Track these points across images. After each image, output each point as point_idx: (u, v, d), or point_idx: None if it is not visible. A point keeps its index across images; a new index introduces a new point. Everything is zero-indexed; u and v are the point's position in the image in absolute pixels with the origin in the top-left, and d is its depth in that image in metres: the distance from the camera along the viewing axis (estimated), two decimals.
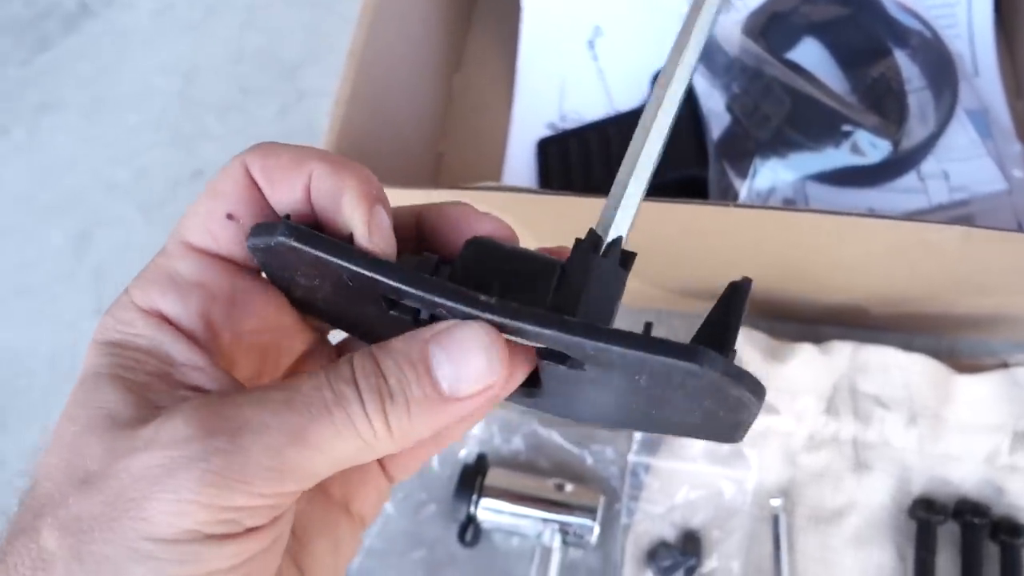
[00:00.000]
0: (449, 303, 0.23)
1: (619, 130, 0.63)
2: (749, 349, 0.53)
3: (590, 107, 0.65)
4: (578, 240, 0.26)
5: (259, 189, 0.26)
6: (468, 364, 0.23)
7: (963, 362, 0.54)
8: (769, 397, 0.53)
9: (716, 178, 0.58)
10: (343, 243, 0.24)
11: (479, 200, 0.34)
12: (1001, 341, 0.58)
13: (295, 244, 0.24)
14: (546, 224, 0.52)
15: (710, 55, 0.60)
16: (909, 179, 0.58)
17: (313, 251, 0.24)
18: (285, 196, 0.26)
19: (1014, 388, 0.51)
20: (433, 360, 0.23)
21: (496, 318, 0.23)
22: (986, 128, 0.60)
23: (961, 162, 0.58)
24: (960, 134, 0.59)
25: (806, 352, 0.53)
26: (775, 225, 0.48)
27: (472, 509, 0.52)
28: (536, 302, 0.24)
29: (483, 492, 0.53)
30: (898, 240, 0.47)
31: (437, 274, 0.25)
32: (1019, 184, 0.57)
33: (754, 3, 0.63)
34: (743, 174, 0.58)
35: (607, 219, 0.26)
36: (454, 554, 0.55)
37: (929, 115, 0.60)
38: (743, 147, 0.57)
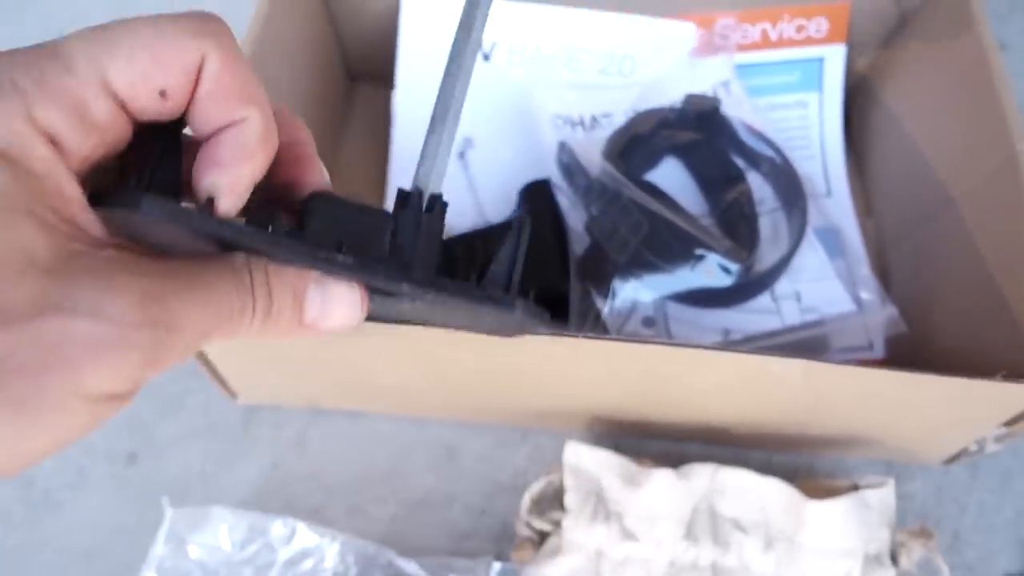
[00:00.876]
0: (313, 265, 0.30)
1: (484, 243, 0.63)
2: (608, 475, 0.53)
3: (460, 217, 0.65)
4: (403, 194, 0.33)
5: (198, 85, 0.26)
6: (335, 312, 0.31)
7: (817, 483, 0.54)
8: (628, 524, 0.53)
9: (577, 297, 0.59)
10: (207, 217, 0.27)
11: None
12: (856, 458, 0.59)
13: (159, 217, 0.25)
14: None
15: (572, 176, 0.61)
16: (763, 300, 0.59)
17: (178, 225, 0.26)
18: (209, 110, 0.27)
19: (863, 511, 0.51)
20: (308, 298, 0.30)
21: (354, 275, 0.30)
22: (837, 248, 0.63)
23: (812, 283, 0.60)
24: (811, 255, 0.61)
25: (665, 477, 0.52)
26: (626, 355, 0.48)
27: None
28: (378, 253, 0.31)
29: None
30: (745, 371, 0.48)
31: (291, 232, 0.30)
32: (868, 305, 0.60)
33: (619, 122, 0.65)
34: (604, 294, 0.59)
35: (425, 178, 0.33)
36: None
37: (783, 235, 0.62)
38: (603, 268, 0.58)
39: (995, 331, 0.52)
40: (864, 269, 0.60)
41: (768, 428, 0.56)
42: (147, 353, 0.25)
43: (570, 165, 0.63)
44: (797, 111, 0.69)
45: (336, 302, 0.31)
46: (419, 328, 0.46)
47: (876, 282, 0.59)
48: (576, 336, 0.46)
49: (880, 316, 0.58)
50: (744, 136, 0.62)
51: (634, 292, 0.59)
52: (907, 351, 0.59)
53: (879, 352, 0.60)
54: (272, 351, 0.53)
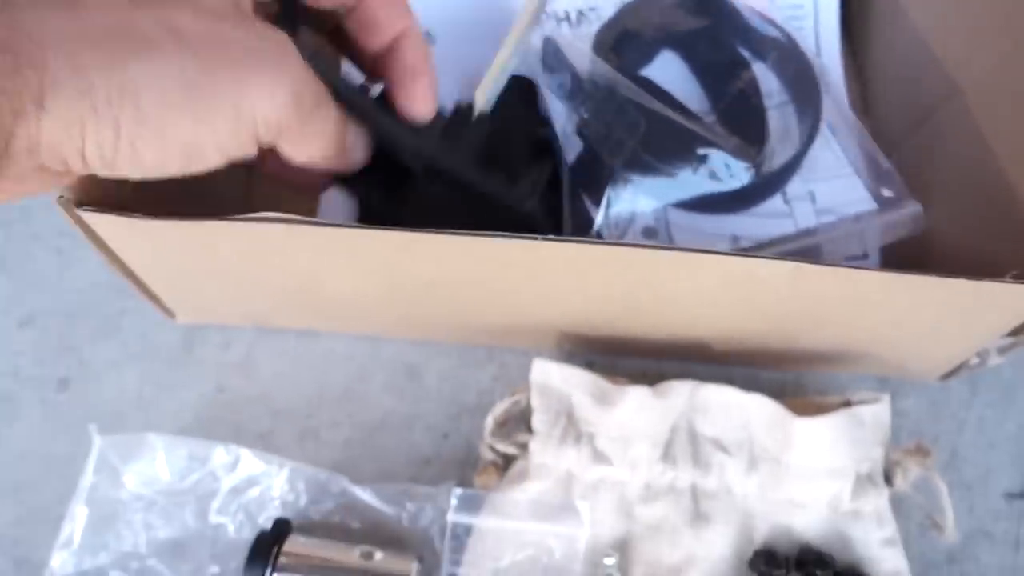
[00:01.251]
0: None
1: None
2: (579, 393, 0.48)
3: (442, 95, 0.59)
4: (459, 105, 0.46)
5: None
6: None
7: (806, 400, 0.50)
8: (601, 446, 0.48)
9: (572, 208, 0.53)
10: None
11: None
12: (848, 374, 0.55)
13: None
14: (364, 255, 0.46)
15: (558, 75, 0.55)
16: (774, 202, 0.54)
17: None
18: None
19: (855, 429, 0.47)
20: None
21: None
22: (851, 143, 0.57)
23: (827, 181, 0.54)
24: (825, 151, 0.55)
25: (640, 395, 0.48)
26: (603, 260, 0.43)
27: None
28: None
29: (279, 565, 0.46)
30: (729, 276, 0.43)
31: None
32: (889, 203, 0.54)
33: (607, 15, 0.58)
34: (599, 203, 0.53)
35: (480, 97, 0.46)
36: None
37: (793, 131, 0.56)
38: (598, 174, 0.52)
39: (1004, 230, 0.47)
40: (884, 162, 0.54)
41: (753, 342, 0.52)
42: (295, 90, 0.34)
43: (556, 63, 0.57)
44: (792, 6, 0.63)
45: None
46: (376, 232, 0.41)
47: (898, 176, 0.53)
48: (547, 240, 0.41)
49: (902, 213, 0.52)
50: (749, 18, 0.56)
51: (632, 200, 0.54)
52: (913, 256, 0.54)
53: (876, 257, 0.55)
54: (210, 260, 0.47)
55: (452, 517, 0.48)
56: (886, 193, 0.52)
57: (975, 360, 0.52)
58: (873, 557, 0.47)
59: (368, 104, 0.42)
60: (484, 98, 0.47)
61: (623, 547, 0.48)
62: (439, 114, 0.44)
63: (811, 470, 0.47)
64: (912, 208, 0.52)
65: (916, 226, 0.52)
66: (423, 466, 0.53)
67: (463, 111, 0.46)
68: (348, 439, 0.54)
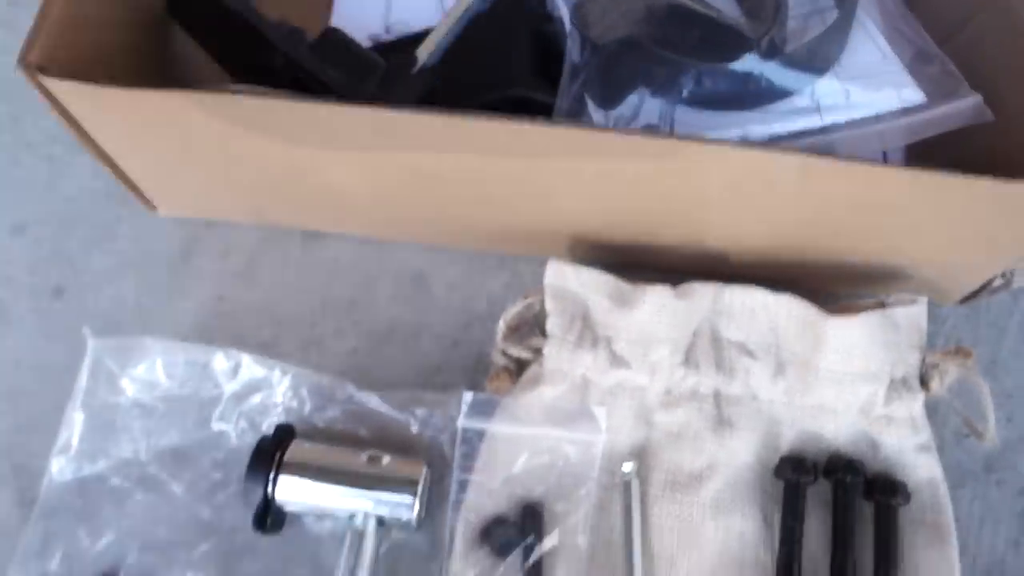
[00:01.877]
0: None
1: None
2: (596, 296, 0.45)
3: (420, 15, 0.56)
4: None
5: None
6: None
7: (838, 305, 0.47)
8: (619, 349, 0.45)
9: (568, 105, 0.50)
10: None
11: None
12: (868, 294, 0.52)
13: None
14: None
15: None
16: (796, 99, 0.50)
17: None
18: None
19: (890, 332, 0.44)
20: None
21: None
22: (896, 36, 0.52)
23: (865, 79, 0.50)
24: (866, 46, 0.51)
25: (660, 296, 0.45)
26: (591, 146, 0.40)
27: (269, 490, 0.44)
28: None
29: (282, 469, 0.44)
30: (734, 170, 0.40)
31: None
32: (941, 93, 0.49)
33: None
34: (598, 100, 0.50)
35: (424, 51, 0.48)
36: (253, 543, 0.46)
37: (829, 16, 0.51)
38: (597, 67, 0.49)
39: None
40: (931, 47, 0.49)
41: (769, 254, 0.49)
42: None
43: None
44: None
45: None
46: (351, 110, 0.38)
47: (952, 65, 0.49)
48: (535, 124, 0.38)
49: (959, 105, 0.48)
50: None
51: (636, 96, 0.50)
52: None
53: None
54: (184, 140, 0.44)
55: (463, 422, 0.46)
56: (938, 84, 0.48)
57: (999, 281, 0.49)
58: (907, 464, 0.44)
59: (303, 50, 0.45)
60: (427, 54, 0.49)
61: (641, 455, 0.46)
62: (377, 64, 0.46)
63: (843, 374, 0.45)
64: (971, 98, 0.47)
65: (977, 115, 0.47)
66: (432, 375, 0.50)
67: (401, 66, 0.48)
68: (353, 348, 0.51)
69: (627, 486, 0.44)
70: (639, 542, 0.43)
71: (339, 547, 0.44)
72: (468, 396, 0.46)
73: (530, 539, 0.43)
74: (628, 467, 0.45)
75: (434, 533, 0.45)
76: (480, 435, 0.46)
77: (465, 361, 0.51)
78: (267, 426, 0.47)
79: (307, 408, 0.48)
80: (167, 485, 0.47)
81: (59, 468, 0.47)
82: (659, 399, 0.46)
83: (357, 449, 0.45)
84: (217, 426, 0.48)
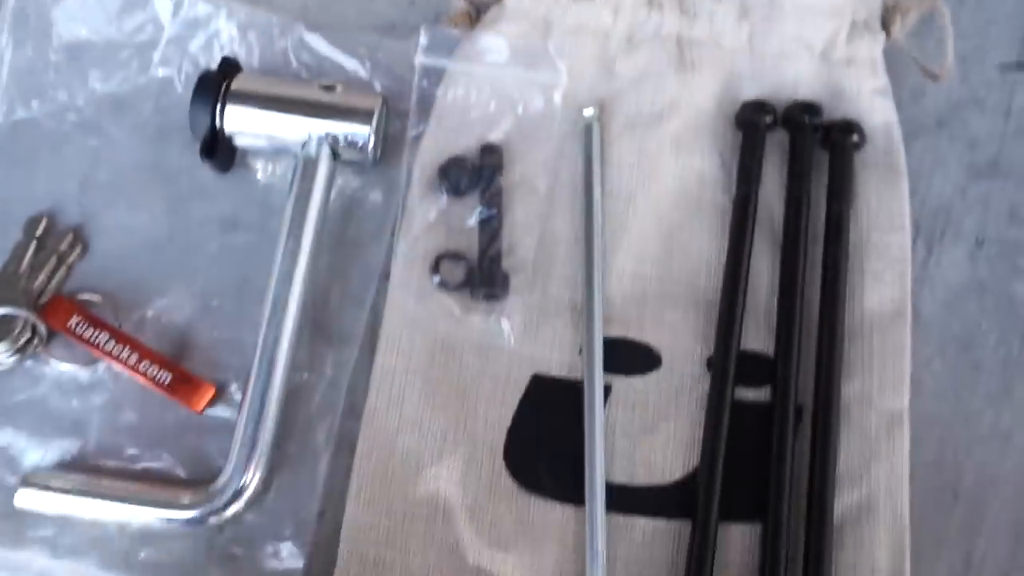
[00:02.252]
0: None
1: None
2: None
3: None
4: None
5: None
6: None
7: None
8: None
9: None
10: None
11: None
12: None
13: None
14: None
15: None
16: None
17: None
18: None
19: None
20: None
21: None
22: None
23: None
24: None
25: None
26: None
27: (217, 120, 0.42)
28: None
29: (229, 98, 0.42)
30: None
31: None
32: None
33: None
34: None
35: None
36: (203, 186, 0.45)
37: None
38: None
39: None
40: None
41: None
42: None
43: None
44: None
45: None
46: None
47: None
48: None
49: None
50: None
51: None
52: None
53: None
54: None
55: (421, 59, 0.44)
56: None
57: None
58: (863, 109, 0.45)
59: None
60: None
61: (602, 101, 0.45)
62: None
63: (807, 8, 0.44)
64: None
65: None
66: (387, 32, 0.48)
67: None
68: (304, 4, 0.49)
69: (588, 129, 0.44)
70: (599, 180, 0.43)
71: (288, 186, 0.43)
72: (427, 32, 0.44)
73: (489, 178, 0.43)
74: (589, 111, 0.44)
75: (389, 182, 0.45)
76: (438, 75, 0.44)
77: (422, 19, 0.48)
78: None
79: (255, 52, 0.46)
80: (107, 130, 0.45)
81: None
82: (621, 46, 0.45)
83: (309, 79, 0.43)
84: (160, 71, 0.46)
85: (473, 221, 0.43)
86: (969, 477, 0.42)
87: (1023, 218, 0.45)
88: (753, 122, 0.44)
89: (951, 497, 0.41)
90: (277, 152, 0.44)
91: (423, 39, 0.44)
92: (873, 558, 0.39)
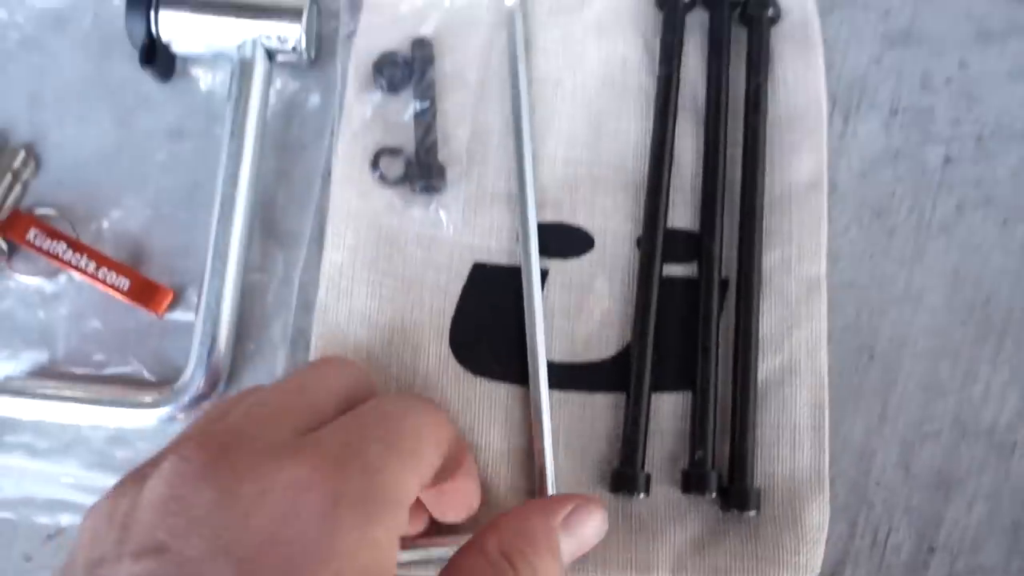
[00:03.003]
0: None
1: None
2: None
3: None
4: None
5: None
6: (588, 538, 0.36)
7: None
8: None
9: None
10: None
11: None
12: None
13: None
14: None
15: None
16: None
17: None
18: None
19: None
20: (562, 546, 0.34)
21: None
22: None
23: None
24: None
25: None
26: None
27: (152, 27, 0.43)
28: None
29: (162, 3, 0.43)
30: None
31: None
32: None
33: None
34: None
35: None
36: (147, 96, 0.46)
37: None
38: None
39: None
40: None
41: None
42: None
43: None
44: None
45: (589, 529, 0.36)
46: None
47: None
48: None
49: None
50: None
51: None
52: None
53: None
54: None
55: None
56: None
57: None
58: None
59: None
60: None
61: None
62: None
63: None
64: None
65: None
66: None
67: None
68: None
69: (510, 16, 0.45)
70: (524, 69, 0.45)
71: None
72: None
73: (423, 70, 0.44)
74: (511, 1, 0.45)
75: (327, 83, 0.46)
76: None
77: None
78: None
79: None
80: (49, 46, 0.46)
81: None
82: None
83: None
84: None
85: (408, 115, 0.44)
86: (884, 337, 0.44)
87: (935, 85, 0.46)
88: (671, 1, 0.45)
89: (867, 357, 0.44)
90: (215, 58, 0.45)
91: None
92: (795, 416, 0.42)
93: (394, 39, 0.45)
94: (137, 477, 0.28)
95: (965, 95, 0.46)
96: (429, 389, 0.42)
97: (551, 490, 0.41)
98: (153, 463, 0.28)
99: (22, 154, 0.45)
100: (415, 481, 0.30)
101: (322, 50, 0.46)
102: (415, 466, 0.30)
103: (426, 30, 0.45)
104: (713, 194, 0.43)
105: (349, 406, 0.33)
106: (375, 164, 0.44)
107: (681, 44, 0.45)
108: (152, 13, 0.43)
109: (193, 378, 0.42)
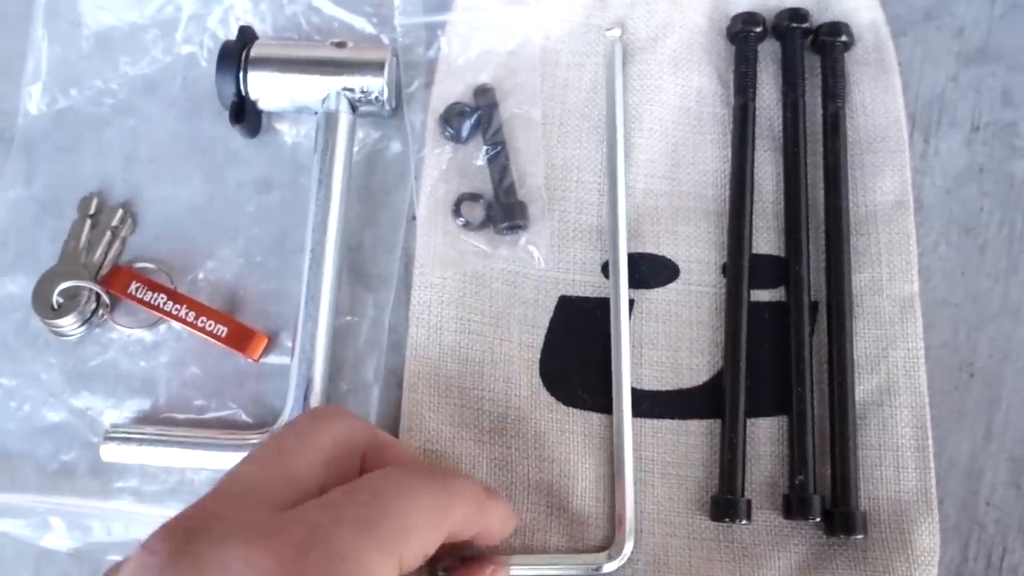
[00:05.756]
0: None
1: None
2: None
3: None
4: None
5: None
6: None
7: None
8: None
9: None
10: None
11: None
12: None
13: None
14: None
15: None
16: None
17: None
18: None
19: None
20: None
21: None
22: None
23: None
24: None
25: None
26: None
27: (241, 86, 0.45)
28: None
29: (250, 65, 0.45)
30: None
31: None
32: None
33: None
34: None
35: None
36: (236, 152, 0.48)
37: None
38: None
39: None
40: None
41: None
42: None
43: None
44: None
45: None
46: None
47: None
48: None
49: None
50: None
51: None
52: None
53: None
54: None
55: (400, 19, 0.46)
56: None
57: None
58: (848, 10, 0.46)
59: None
60: None
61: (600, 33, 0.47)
62: None
63: None
64: None
65: None
66: None
67: None
68: None
69: (610, 50, 0.46)
70: (621, 101, 0.46)
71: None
72: None
73: (486, 116, 0.45)
74: (614, 32, 0.46)
75: (404, 126, 0.47)
76: (419, 31, 0.47)
77: None
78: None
79: (268, 20, 0.48)
80: (142, 109, 0.48)
81: (33, 102, 0.48)
82: None
83: (321, 40, 0.46)
84: (183, 48, 0.49)
85: (482, 160, 0.45)
86: (983, 353, 0.43)
87: (1016, 100, 0.46)
88: (744, 33, 0.45)
89: (967, 375, 0.43)
90: (300, 112, 0.47)
91: (397, 1, 0.46)
92: (897, 436, 0.41)
93: (456, 90, 0.46)
94: (111, 573, 0.28)
95: None
96: (522, 421, 0.42)
97: (630, 515, 0.41)
98: (126, 559, 0.28)
99: (120, 212, 0.46)
100: (391, 564, 0.28)
101: (402, 100, 0.47)
102: (394, 549, 0.28)
103: (485, 77, 0.46)
104: (797, 218, 0.43)
105: (343, 465, 0.32)
106: (457, 212, 0.45)
107: (755, 74, 0.45)
108: (241, 74, 0.44)
109: (291, 419, 0.42)
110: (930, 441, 0.41)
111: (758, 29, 0.45)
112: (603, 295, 0.44)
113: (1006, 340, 0.43)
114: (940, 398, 0.43)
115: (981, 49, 0.47)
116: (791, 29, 0.45)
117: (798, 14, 0.45)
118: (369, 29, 0.48)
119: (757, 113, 0.45)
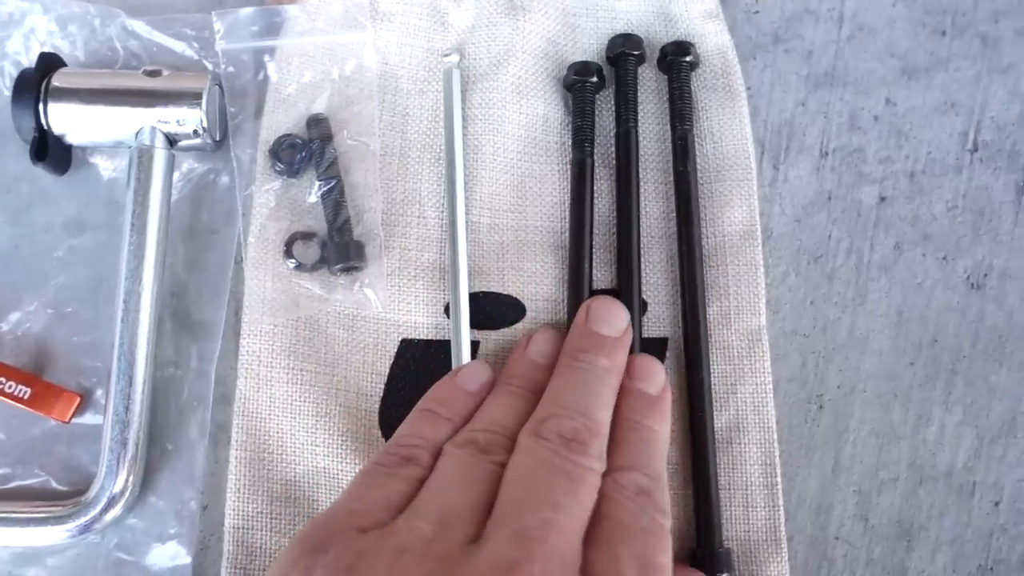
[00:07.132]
0: None
1: None
2: None
3: None
4: None
5: None
6: None
7: None
8: None
9: None
10: None
11: None
12: None
13: None
14: None
15: None
16: None
17: None
18: None
19: None
20: None
21: None
22: None
23: None
24: None
25: None
26: None
27: (42, 120, 0.41)
28: None
29: (51, 96, 0.40)
30: None
31: None
32: None
33: None
34: None
35: None
36: (44, 190, 0.43)
37: None
38: None
39: None
40: None
41: None
42: None
43: None
44: None
45: None
46: None
47: None
48: None
49: None
50: None
51: None
52: None
53: None
54: None
55: (221, 45, 0.43)
56: None
57: None
58: (696, 33, 0.45)
59: None
60: None
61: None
62: None
63: None
64: None
65: None
66: (215, 9, 0.47)
67: None
68: None
69: (448, 77, 0.43)
70: (460, 134, 0.43)
71: None
72: (219, 17, 0.42)
73: (319, 149, 0.42)
74: (452, 58, 0.44)
75: (230, 161, 0.44)
76: (271, 52, 0.43)
77: None
78: None
79: (79, 45, 0.44)
80: None
81: None
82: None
83: (133, 69, 0.42)
84: None
85: (315, 196, 0.42)
86: (831, 385, 0.43)
87: (863, 124, 0.45)
88: (579, 83, 0.43)
89: (816, 407, 0.43)
90: (115, 146, 0.43)
91: (217, 25, 0.43)
92: (746, 475, 0.40)
93: (287, 121, 0.43)
94: None
95: (894, 132, 0.45)
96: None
97: None
98: None
99: None
100: None
101: (228, 132, 0.44)
102: None
103: (319, 106, 0.43)
104: (628, 251, 0.42)
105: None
106: (288, 252, 0.42)
107: (593, 127, 0.43)
108: (41, 107, 0.40)
109: (104, 487, 0.39)
110: (779, 478, 0.40)
111: (593, 79, 0.43)
112: (447, 337, 0.42)
113: (854, 371, 0.43)
114: (789, 432, 0.42)
115: (829, 72, 0.46)
116: (623, 56, 0.43)
117: (631, 39, 0.44)
118: (191, 54, 0.44)
119: (597, 141, 0.43)
